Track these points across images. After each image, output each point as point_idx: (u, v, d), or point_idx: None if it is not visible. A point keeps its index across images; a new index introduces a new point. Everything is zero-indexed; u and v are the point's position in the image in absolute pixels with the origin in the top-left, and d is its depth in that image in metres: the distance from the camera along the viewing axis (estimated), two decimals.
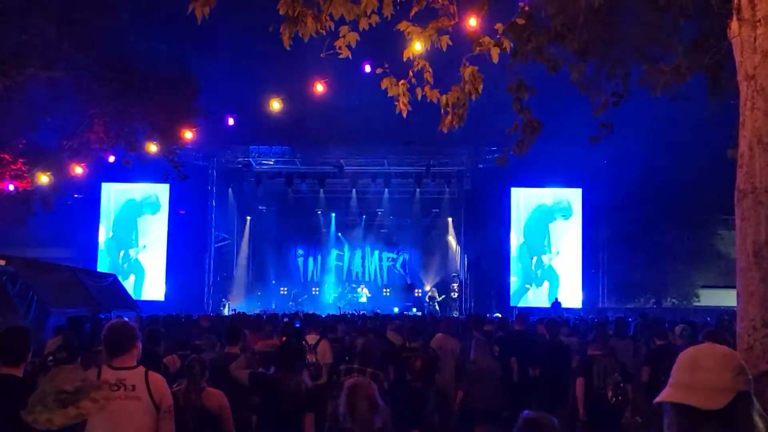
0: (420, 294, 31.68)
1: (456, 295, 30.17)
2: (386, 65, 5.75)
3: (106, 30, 16.17)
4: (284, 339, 6.13)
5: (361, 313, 21.92)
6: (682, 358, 2.21)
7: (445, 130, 6.03)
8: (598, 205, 28.18)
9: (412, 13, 5.44)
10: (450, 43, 5.55)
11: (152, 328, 9.05)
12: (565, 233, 28.64)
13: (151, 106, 16.90)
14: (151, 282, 28.91)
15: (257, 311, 22.59)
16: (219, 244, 30.61)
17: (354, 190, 31.09)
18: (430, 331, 11.55)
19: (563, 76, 6.59)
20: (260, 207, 32.44)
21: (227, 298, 29.69)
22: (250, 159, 30.25)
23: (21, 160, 16.36)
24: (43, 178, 16.05)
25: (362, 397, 4.09)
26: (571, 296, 27.65)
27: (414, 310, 29.03)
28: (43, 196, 17.33)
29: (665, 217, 26.47)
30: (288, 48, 5.24)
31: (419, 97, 5.78)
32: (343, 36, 5.31)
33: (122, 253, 29.22)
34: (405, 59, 5.61)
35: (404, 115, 5.78)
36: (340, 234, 33.20)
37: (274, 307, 28.20)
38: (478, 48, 5.61)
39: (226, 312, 26.72)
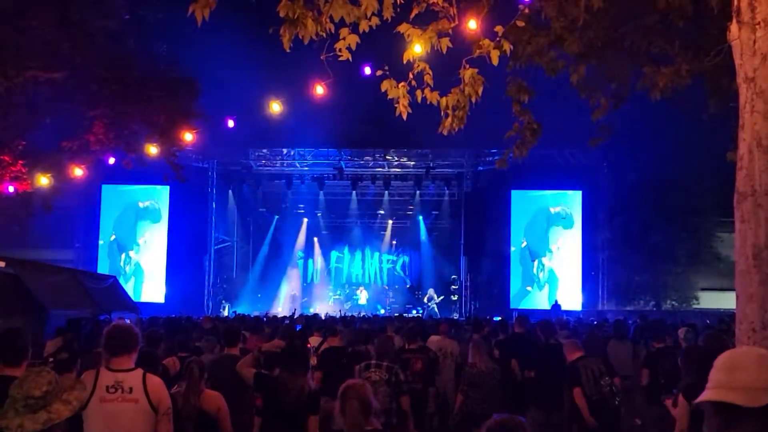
0: (419, 295, 31.67)
1: (456, 297, 30.18)
2: (386, 67, 5.75)
3: (106, 31, 16.16)
4: (287, 342, 6.11)
5: (362, 315, 21.94)
6: (720, 361, 2.27)
7: (445, 133, 6.04)
8: (598, 207, 28.22)
9: (412, 15, 5.44)
10: (450, 45, 5.56)
11: (152, 330, 9.04)
12: (565, 235, 28.65)
13: (150, 108, 16.87)
14: (151, 284, 28.92)
15: (257, 313, 22.59)
16: (219, 246, 30.61)
17: (354, 192, 31.11)
18: (431, 333, 11.53)
19: (563, 78, 6.60)
20: (260, 209, 32.45)
21: (227, 300, 29.72)
22: (250, 161, 30.26)
23: (21, 162, 16.34)
24: (43, 180, 16.02)
25: (353, 398, 4.07)
26: (571, 298, 27.65)
27: (414, 312, 29.04)
28: (43, 198, 17.31)
29: (665, 219, 26.47)
30: (288, 50, 5.24)
31: (419, 99, 5.78)
32: (343, 38, 5.31)
33: (122, 255, 29.23)
34: (405, 61, 5.61)
35: (404, 117, 5.78)
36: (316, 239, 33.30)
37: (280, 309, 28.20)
38: (478, 50, 5.62)
39: (225, 314, 26.71)
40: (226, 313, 26.88)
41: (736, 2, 4.26)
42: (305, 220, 32.93)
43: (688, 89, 6.37)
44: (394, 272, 34.02)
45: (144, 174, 21.71)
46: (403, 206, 32.51)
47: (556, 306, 25.75)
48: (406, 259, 33.91)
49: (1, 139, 16.42)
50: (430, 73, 5.69)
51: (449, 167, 30.00)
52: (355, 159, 30.04)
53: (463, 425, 8.67)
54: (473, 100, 5.77)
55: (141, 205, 29.53)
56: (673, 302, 28.43)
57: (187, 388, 5.54)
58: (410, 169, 30.31)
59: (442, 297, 30.18)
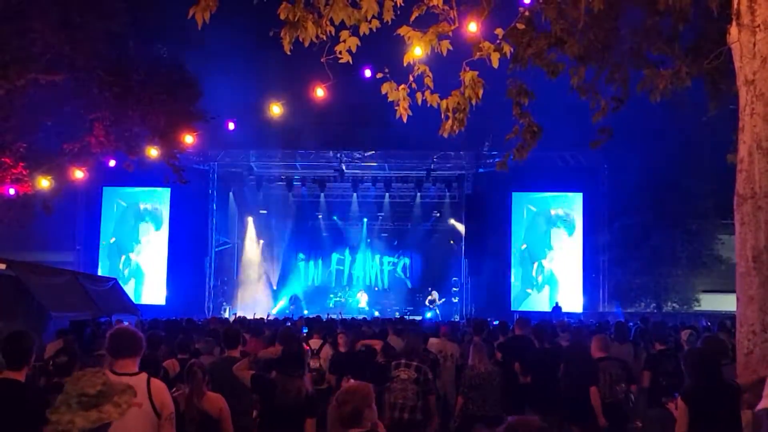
0: (421, 298, 31.65)
1: (456, 299, 30.18)
2: (386, 70, 5.76)
3: (107, 34, 16.19)
4: (284, 346, 6.11)
5: (362, 318, 21.91)
6: None
7: (445, 135, 6.04)
8: (599, 209, 28.20)
9: (413, 18, 5.45)
10: (450, 48, 5.56)
11: (151, 333, 9.04)
12: (565, 238, 28.64)
13: (151, 111, 16.90)
14: (151, 286, 28.91)
15: (257, 315, 22.56)
16: (219, 248, 30.60)
17: (355, 194, 31.10)
18: (431, 335, 11.53)
19: (563, 80, 6.61)
20: (261, 211, 32.45)
21: (228, 302, 29.71)
22: (251, 163, 30.26)
23: (22, 164, 16.35)
24: (44, 182, 16.04)
25: (345, 402, 4.05)
26: (572, 301, 27.64)
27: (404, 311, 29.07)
28: (44, 200, 17.33)
29: (665, 221, 26.45)
30: (288, 52, 5.25)
31: (419, 101, 5.78)
32: (344, 41, 5.32)
33: (123, 257, 29.23)
34: (405, 64, 5.62)
35: (404, 119, 5.79)
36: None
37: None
38: (478, 53, 5.62)
39: (226, 315, 26.70)
40: (226, 315, 26.85)
41: (735, 5, 4.27)
42: (306, 222, 32.91)
43: (688, 92, 6.38)
44: (395, 274, 34.00)
45: (145, 176, 21.68)
46: (404, 208, 32.50)
47: (556, 308, 25.75)
48: (407, 261, 33.89)
49: (2, 141, 16.44)
50: (431, 75, 5.69)
51: (450, 169, 29.97)
52: (356, 161, 30.02)
53: (463, 427, 8.66)
54: (473, 102, 5.78)
55: (141, 207, 29.53)
56: (674, 304, 28.40)
57: (190, 391, 5.54)
58: (411, 171, 30.30)
59: (443, 299, 30.17)
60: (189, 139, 16.50)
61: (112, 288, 18.05)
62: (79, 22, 15.62)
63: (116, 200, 29.43)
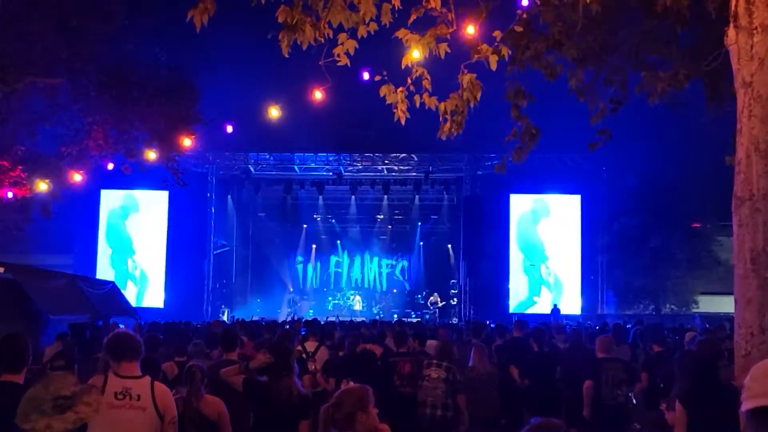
0: (419, 300, 31.65)
1: (455, 301, 30.18)
2: (385, 73, 5.76)
3: (105, 37, 16.18)
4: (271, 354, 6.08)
5: (360, 320, 21.87)
6: (757, 370, 2.33)
7: (443, 137, 6.04)
8: (597, 211, 28.22)
9: (411, 20, 5.44)
10: (448, 50, 5.56)
11: (150, 335, 9.02)
12: (564, 240, 28.64)
13: (149, 114, 16.89)
14: (150, 289, 28.89)
15: (256, 318, 22.54)
16: (218, 251, 30.59)
17: (353, 196, 31.12)
18: (430, 337, 11.51)
19: (561, 83, 6.61)
20: (259, 214, 32.45)
21: (226, 305, 29.68)
22: (249, 166, 30.27)
23: (20, 167, 16.34)
24: (42, 185, 16.03)
25: (339, 404, 4.03)
26: (571, 303, 27.65)
27: (413, 315, 29.02)
28: (42, 203, 17.31)
29: (664, 223, 26.47)
30: (287, 55, 5.25)
31: (418, 104, 5.78)
32: (342, 43, 5.32)
33: (122, 260, 29.21)
34: (403, 67, 5.62)
35: (402, 122, 5.79)
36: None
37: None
38: (476, 55, 5.62)
39: (225, 318, 26.68)
40: (225, 318, 26.84)
41: (733, 7, 4.27)
42: (304, 224, 32.91)
43: (686, 94, 6.39)
44: (393, 277, 34.00)
45: (143, 179, 21.70)
46: (403, 211, 32.52)
47: (555, 310, 25.74)
48: (405, 263, 33.89)
49: (0, 144, 16.43)
50: (429, 78, 5.69)
51: (448, 171, 30.02)
52: (355, 163, 30.06)
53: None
54: (471, 105, 5.78)
55: (140, 210, 29.51)
56: (673, 306, 28.43)
57: (189, 393, 5.52)
58: (409, 174, 30.32)
59: (444, 303, 30.17)
60: (187, 141, 16.51)
61: (111, 291, 18.07)
62: (77, 26, 15.62)
63: (114, 203, 29.40)
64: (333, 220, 32.85)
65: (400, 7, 5.31)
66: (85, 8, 15.68)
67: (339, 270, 33.77)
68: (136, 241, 29.29)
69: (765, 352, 3.85)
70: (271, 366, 5.71)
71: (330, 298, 32.38)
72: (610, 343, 8.63)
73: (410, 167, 30.05)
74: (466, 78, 5.68)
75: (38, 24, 14.89)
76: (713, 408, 5.10)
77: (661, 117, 15.84)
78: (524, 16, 5.81)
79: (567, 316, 24.51)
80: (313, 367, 9.25)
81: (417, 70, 5.62)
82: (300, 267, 33.77)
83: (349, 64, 5.46)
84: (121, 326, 13.38)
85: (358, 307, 31.17)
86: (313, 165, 30.28)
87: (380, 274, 33.99)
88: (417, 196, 31.03)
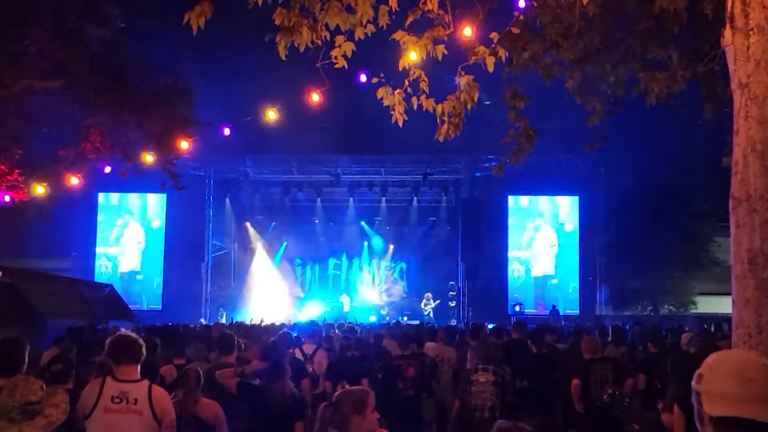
0: (418, 301, 31.61)
1: (454, 303, 30.16)
2: (382, 75, 5.75)
3: (101, 40, 16.18)
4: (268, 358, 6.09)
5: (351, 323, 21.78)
6: (730, 369, 2.05)
7: (441, 139, 6.04)
8: (595, 212, 28.26)
9: (408, 22, 5.44)
10: (445, 52, 5.56)
11: (148, 338, 8.99)
12: (562, 241, 28.68)
13: (147, 116, 16.88)
14: (148, 292, 28.86)
15: (254, 321, 22.51)
16: (216, 254, 30.57)
17: (351, 198, 31.09)
18: (428, 339, 11.51)
19: (558, 84, 6.62)
20: (258, 216, 32.43)
21: (224, 307, 29.65)
22: (247, 168, 30.26)
23: (17, 171, 16.32)
24: (39, 189, 16.01)
25: (335, 405, 4.02)
26: (569, 303, 27.66)
27: (405, 318, 28.97)
28: (39, 207, 17.28)
29: (662, 224, 26.49)
30: (284, 58, 5.24)
31: (415, 106, 5.78)
32: (339, 46, 5.32)
33: (120, 263, 29.18)
34: (400, 69, 5.61)
35: (400, 124, 5.78)
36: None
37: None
38: (473, 57, 5.62)
39: (223, 321, 26.64)
40: (223, 321, 26.80)
41: (729, 8, 4.27)
42: (303, 227, 32.88)
43: (683, 95, 6.39)
44: (392, 279, 33.95)
45: (141, 182, 21.69)
46: (401, 213, 32.51)
47: (554, 311, 25.78)
48: (404, 265, 33.85)
49: None
50: (426, 80, 5.68)
51: (446, 173, 30.01)
52: (352, 166, 30.05)
53: (460, 430, 8.65)
54: (469, 106, 5.78)
55: (138, 213, 29.50)
56: (671, 307, 28.44)
57: (184, 396, 5.52)
58: (407, 176, 30.32)
59: (438, 301, 30.12)
60: (185, 144, 16.48)
61: (108, 294, 18.05)
62: (74, 28, 15.62)
63: (112, 206, 29.39)
64: (331, 223, 32.82)
65: (397, 9, 5.31)
66: (82, 11, 15.68)
67: (337, 272, 33.71)
68: (133, 244, 29.27)
69: (763, 353, 3.85)
70: (264, 369, 5.72)
71: (328, 300, 32.32)
72: (597, 343, 8.62)
73: (408, 169, 30.05)
74: (464, 80, 5.68)
75: (35, 27, 14.89)
76: None
77: (659, 118, 15.85)
78: (521, 17, 5.81)
79: (565, 317, 24.54)
80: (312, 369, 9.26)
81: (414, 72, 5.62)
82: (298, 269, 33.72)
83: (346, 67, 5.46)
84: (122, 329, 13.35)
85: (347, 308, 31.06)
86: (311, 167, 30.26)
87: (379, 276, 33.93)
88: (415, 198, 31.03)
